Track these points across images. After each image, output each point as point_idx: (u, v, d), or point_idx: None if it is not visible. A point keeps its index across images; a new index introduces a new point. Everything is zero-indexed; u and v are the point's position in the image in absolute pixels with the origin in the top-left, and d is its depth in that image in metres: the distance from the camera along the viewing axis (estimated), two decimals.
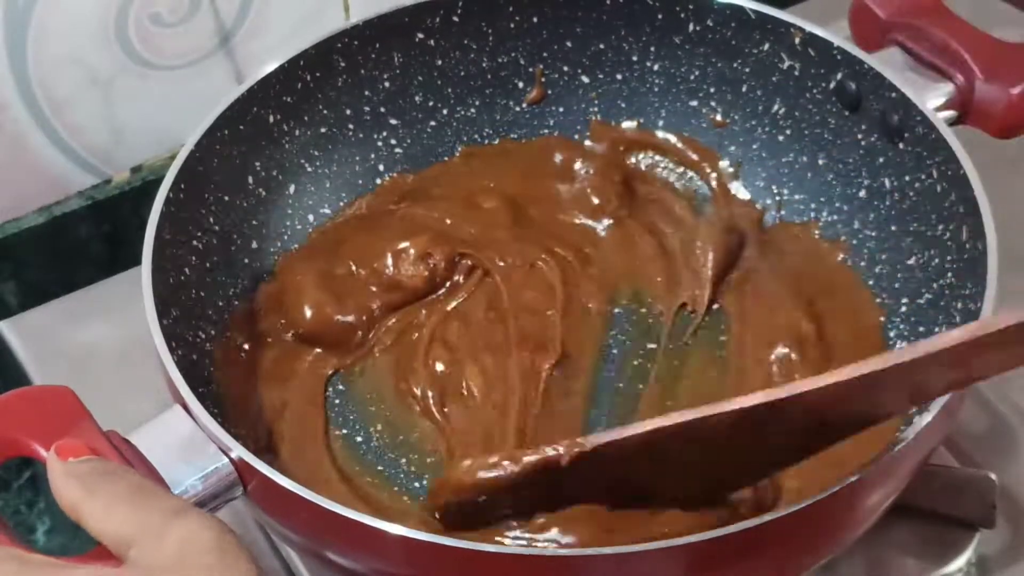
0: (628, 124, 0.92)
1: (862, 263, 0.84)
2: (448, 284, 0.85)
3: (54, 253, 0.97)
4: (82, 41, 0.91)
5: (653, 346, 0.82)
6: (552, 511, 0.69)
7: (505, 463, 0.68)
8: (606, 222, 0.88)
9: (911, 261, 0.81)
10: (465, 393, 0.80)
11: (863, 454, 0.66)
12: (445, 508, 0.70)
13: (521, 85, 0.92)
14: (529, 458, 0.67)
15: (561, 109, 0.92)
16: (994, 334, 0.57)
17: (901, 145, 0.81)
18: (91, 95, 0.94)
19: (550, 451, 0.67)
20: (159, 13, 0.93)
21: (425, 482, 0.76)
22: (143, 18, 0.92)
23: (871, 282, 0.83)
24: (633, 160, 0.92)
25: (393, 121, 0.90)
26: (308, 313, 0.81)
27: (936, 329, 0.77)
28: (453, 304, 0.84)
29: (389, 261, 0.84)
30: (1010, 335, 0.57)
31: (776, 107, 0.88)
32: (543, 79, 0.92)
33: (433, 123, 0.91)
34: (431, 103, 0.91)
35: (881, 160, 0.83)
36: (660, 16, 0.88)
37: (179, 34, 0.94)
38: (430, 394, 0.79)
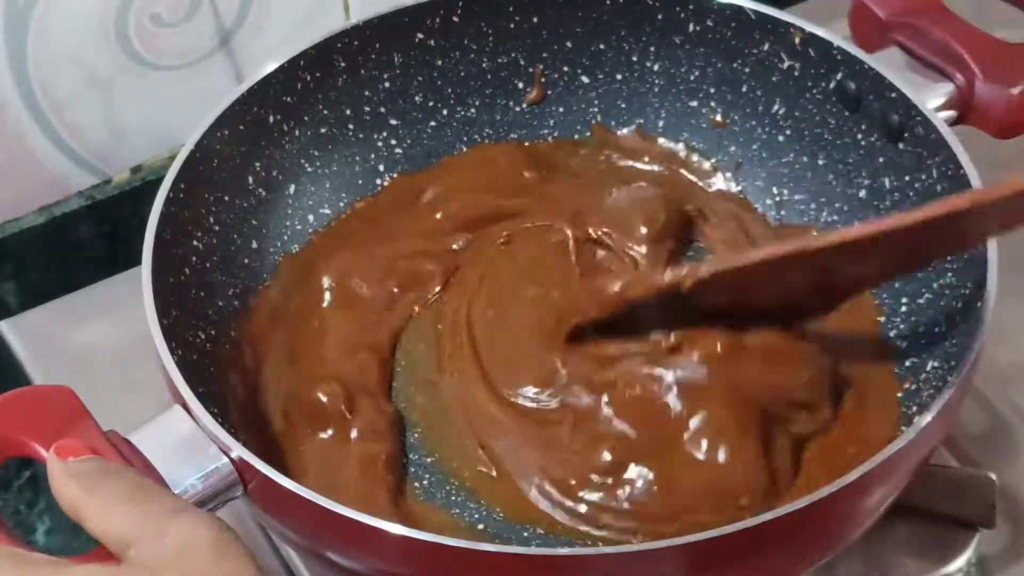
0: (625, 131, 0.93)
1: None
2: None
3: (54, 253, 0.97)
4: (82, 41, 0.91)
5: None
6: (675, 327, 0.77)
7: (644, 282, 0.77)
8: None
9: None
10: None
11: (863, 454, 0.66)
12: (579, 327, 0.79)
13: (521, 85, 0.92)
14: (663, 279, 0.76)
15: (561, 109, 0.92)
16: None
17: (901, 145, 0.81)
18: (91, 95, 0.94)
19: (677, 275, 0.75)
20: (159, 13, 0.92)
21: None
22: (143, 18, 0.92)
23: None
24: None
25: (393, 121, 0.90)
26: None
27: (936, 329, 0.77)
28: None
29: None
30: None
31: (776, 107, 0.88)
32: (543, 79, 0.92)
33: (433, 123, 0.91)
34: (431, 103, 0.91)
35: (881, 160, 0.83)
36: (660, 16, 0.88)
37: (179, 34, 0.94)
38: None
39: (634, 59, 0.91)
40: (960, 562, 0.79)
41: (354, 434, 0.76)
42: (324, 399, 0.77)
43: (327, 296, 0.83)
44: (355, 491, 0.74)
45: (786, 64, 0.86)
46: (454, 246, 0.86)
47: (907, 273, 0.78)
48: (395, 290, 0.84)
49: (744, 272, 0.74)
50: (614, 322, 0.78)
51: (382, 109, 0.89)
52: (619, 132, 0.92)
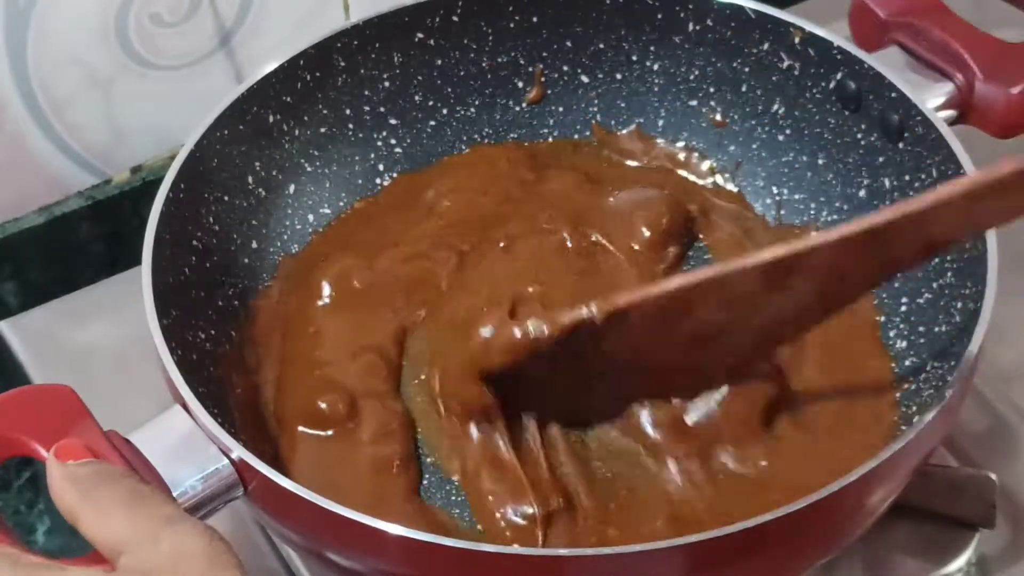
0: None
1: None
2: None
3: (54, 253, 0.97)
4: (82, 41, 0.91)
5: None
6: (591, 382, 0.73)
7: (543, 323, 0.72)
8: None
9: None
10: None
11: (863, 454, 0.66)
12: (488, 375, 0.74)
13: (521, 85, 0.92)
14: (565, 318, 0.71)
15: (561, 109, 0.92)
16: (997, 181, 0.62)
17: (901, 145, 0.81)
18: (91, 95, 0.94)
19: (584, 311, 0.70)
20: (159, 13, 0.92)
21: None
22: (143, 18, 0.92)
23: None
24: None
25: (393, 121, 0.90)
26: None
27: (936, 330, 0.77)
28: None
29: None
30: (1012, 182, 0.61)
31: (776, 107, 0.88)
32: (543, 79, 0.92)
33: (433, 123, 0.91)
34: (431, 103, 0.91)
35: (881, 160, 0.83)
36: (660, 16, 0.88)
37: (179, 34, 0.94)
38: None
39: (634, 59, 0.91)
40: (960, 562, 0.79)
41: (366, 436, 0.76)
42: (324, 407, 0.77)
43: (327, 298, 0.83)
44: (368, 492, 0.74)
45: (786, 64, 0.86)
46: (457, 246, 0.86)
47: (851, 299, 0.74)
48: (396, 292, 0.84)
49: (664, 301, 0.69)
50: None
51: (382, 109, 0.90)
52: (619, 132, 0.92)
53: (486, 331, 0.74)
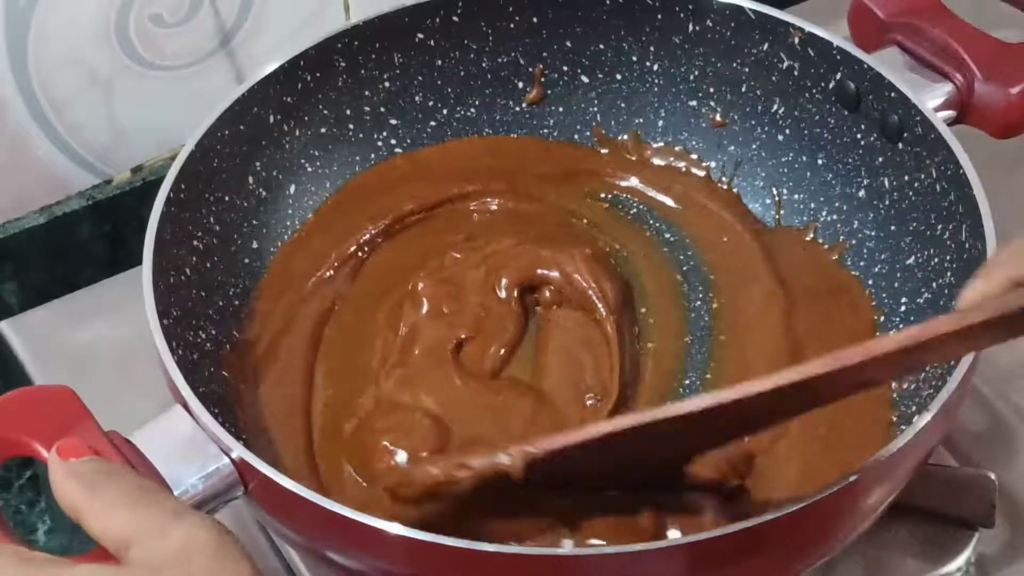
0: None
1: (861, 263, 0.84)
2: None
3: (55, 253, 0.97)
4: (83, 41, 0.91)
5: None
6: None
7: (455, 470, 0.69)
8: None
9: (910, 261, 0.81)
10: None
11: (863, 454, 0.66)
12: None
13: (521, 85, 0.92)
14: (477, 462, 0.69)
15: (561, 109, 0.93)
16: (932, 338, 0.60)
17: (900, 145, 0.81)
18: (91, 95, 0.94)
19: (502, 457, 0.67)
20: (159, 14, 0.92)
21: None
22: (143, 19, 0.92)
23: (870, 281, 0.83)
24: None
25: (393, 121, 0.90)
26: None
27: None
28: None
29: None
30: (944, 339, 0.60)
31: (775, 107, 0.88)
32: (543, 79, 0.92)
33: (433, 123, 0.91)
34: (431, 103, 0.91)
35: (880, 160, 0.83)
36: (660, 16, 0.88)
37: (179, 35, 0.94)
38: None
39: (634, 59, 0.91)
40: (960, 562, 0.79)
41: None
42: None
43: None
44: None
45: (785, 64, 0.86)
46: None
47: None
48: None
49: (578, 448, 0.67)
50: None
51: (382, 109, 0.90)
52: (618, 139, 0.93)
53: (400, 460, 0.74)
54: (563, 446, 0.67)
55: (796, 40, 0.85)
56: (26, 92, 0.91)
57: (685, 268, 0.87)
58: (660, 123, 0.92)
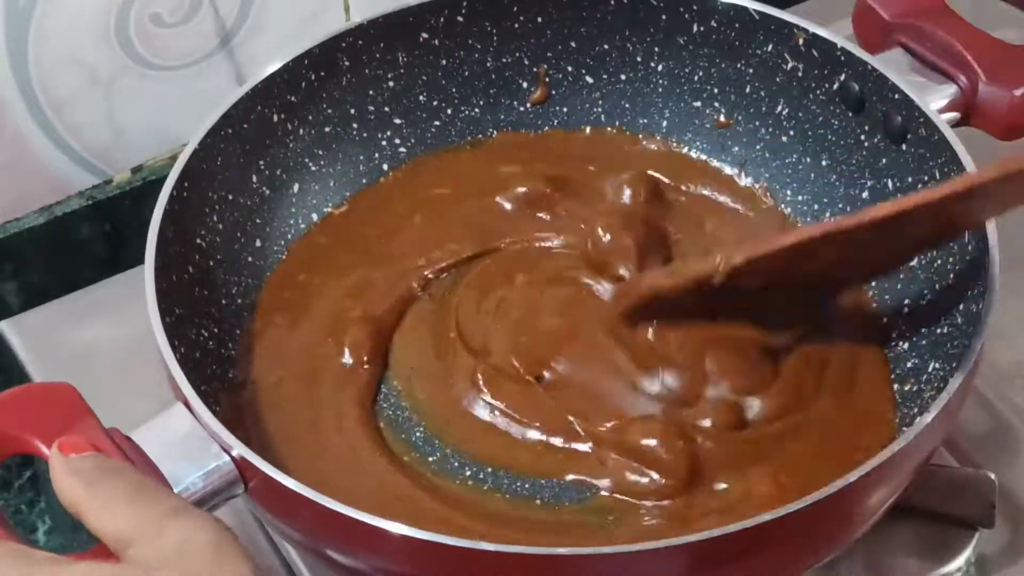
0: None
1: None
2: None
3: (55, 253, 0.97)
4: (83, 41, 0.91)
5: None
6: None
7: (676, 274, 0.79)
8: None
9: (913, 262, 0.81)
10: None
11: (863, 454, 0.66)
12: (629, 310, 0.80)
13: (525, 85, 0.92)
14: (692, 268, 0.78)
15: (565, 109, 0.93)
16: None
17: (904, 146, 0.81)
18: (91, 95, 0.94)
19: (711, 264, 0.76)
20: (159, 14, 0.93)
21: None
22: (144, 18, 0.92)
23: (873, 283, 0.83)
24: None
25: (397, 120, 0.90)
26: None
27: (938, 331, 0.77)
28: None
29: None
30: None
31: (780, 108, 0.88)
32: (547, 79, 0.92)
33: (437, 123, 0.91)
34: (435, 103, 0.91)
35: (884, 161, 0.83)
36: (664, 17, 0.89)
37: (179, 34, 0.95)
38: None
39: (638, 59, 0.91)
40: (960, 562, 0.79)
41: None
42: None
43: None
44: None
45: (790, 65, 0.86)
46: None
47: (932, 247, 0.79)
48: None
49: (775, 256, 0.75)
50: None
51: (386, 108, 0.90)
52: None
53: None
54: (764, 252, 0.75)
55: (800, 41, 0.85)
56: (26, 92, 0.91)
57: None
58: (664, 123, 0.92)
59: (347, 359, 0.80)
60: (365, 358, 0.80)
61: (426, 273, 0.85)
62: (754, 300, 0.78)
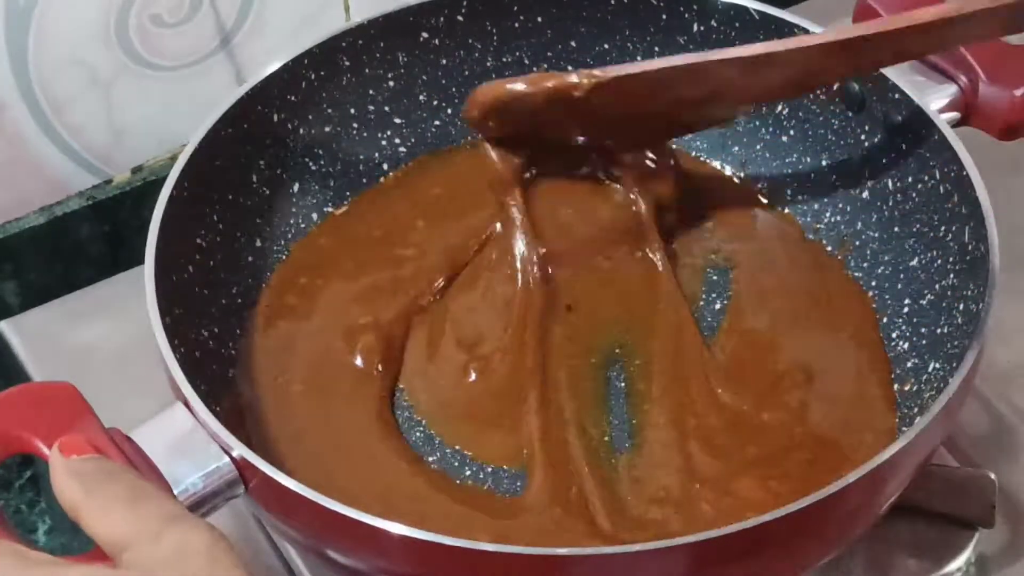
0: None
1: (864, 264, 0.84)
2: None
3: (55, 253, 0.97)
4: (83, 42, 0.91)
5: None
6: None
7: (528, 83, 0.80)
8: None
9: (913, 262, 0.81)
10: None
11: (863, 454, 0.66)
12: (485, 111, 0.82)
13: None
14: (550, 82, 0.80)
15: None
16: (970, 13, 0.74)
17: (904, 147, 0.81)
18: (92, 95, 0.94)
19: (572, 77, 0.79)
20: (159, 14, 0.93)
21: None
22: (144, 19, 0.92)
23: (873, 283, 0.83)
24: None
25: (397, 120, 0.90)
26: None
27: (938, 331, 0.77)
28: None
29: None
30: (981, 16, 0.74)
31: (780, 108, 0.88)
32: None
33: (437, 122, 0.91)
34: (435, 102, 0.91)
35: (884, 161, 0.83)
36: (664, 16, 0.89)
37: (179, 35, 0.95)
38: None
39: (639, 59, 0.90)
40: (960, 562, 0.79)
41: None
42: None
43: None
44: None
45: None
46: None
47: (794, 96, 0.85)
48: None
49: (640, 80, 0.78)
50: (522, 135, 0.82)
51: (386, 108, 0.90)
52: None
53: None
54: (627, 74, 0.78)
55: None
56: (26, 92, 0.91)
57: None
58: None
59: (359, 362, 0.80)
60: (378, 362, 0.80)
61: (428, 274, 0.85)
62: (616, 129, 0.82)
